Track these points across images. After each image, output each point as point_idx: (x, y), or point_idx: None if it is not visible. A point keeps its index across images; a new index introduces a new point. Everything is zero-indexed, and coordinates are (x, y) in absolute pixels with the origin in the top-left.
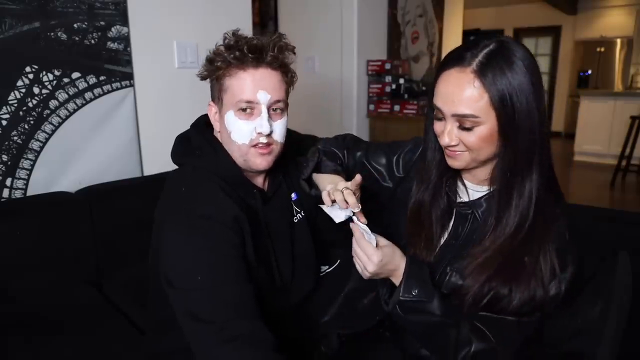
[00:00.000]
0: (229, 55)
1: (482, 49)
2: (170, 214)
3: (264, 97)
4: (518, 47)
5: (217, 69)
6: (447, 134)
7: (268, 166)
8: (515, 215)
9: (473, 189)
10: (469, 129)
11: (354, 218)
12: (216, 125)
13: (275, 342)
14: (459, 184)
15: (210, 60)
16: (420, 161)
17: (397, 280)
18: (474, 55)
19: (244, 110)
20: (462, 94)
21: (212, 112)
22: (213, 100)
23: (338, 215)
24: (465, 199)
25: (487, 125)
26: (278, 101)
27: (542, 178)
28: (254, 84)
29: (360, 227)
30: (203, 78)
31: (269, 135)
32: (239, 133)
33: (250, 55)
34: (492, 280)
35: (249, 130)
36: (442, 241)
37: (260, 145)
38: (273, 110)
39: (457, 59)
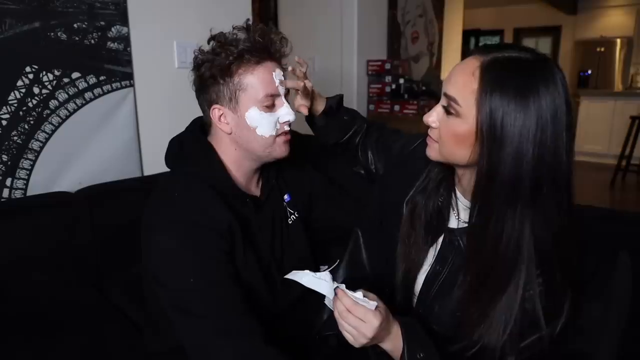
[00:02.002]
0: (244, 45)
1: (513, 51)
2: (162, 218)
3: (282, 89)
4: (551, 80)
5: (227, 64)
6: (434, 110)
7: (288, 152)
8: (489, 260)
9: (462, 202)
10: (450, 114)
11: (340, 288)
12: (226, 128)
13: (268, 336)
14: (452, 195)
15: (216, 53)
16: (432, 164)
17: (390, 343)
18: (497, 50)
19: (269, 105)
20: (459, 77)
21: (217, 116)
22: (218, 102)
23: (322, 287)
24: (453, 224)
25: (465, 123)
26: (288, 90)
27: (541, 222)
28: (274, 77)
29: (349, 293)
30: (212, 76)
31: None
32: (266, 127)
33: (270, 49)
34: (478, 334)
35: (274, 122)
36: (431, 260)
37: (284, 133)
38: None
39: (483, 48)
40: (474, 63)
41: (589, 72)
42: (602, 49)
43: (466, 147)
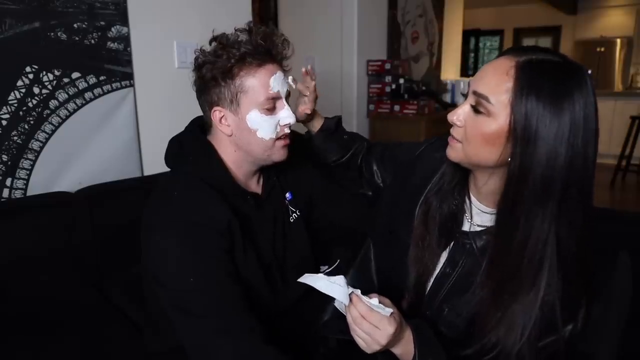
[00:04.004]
0: (245, 47)
1: (546, 54)
2: (162, 218)
3: (283, 90)
4: (584, 86)
5: (229, 66)
6: (460, 108)
7: (286, 157)
8: (515, 263)
9: (476, 205)
10: (478, 113)
11: (356, 293)
12: (227, 130)
13: (267, 335)
14: (466, 198)
15: (218, 55)
16: (447, 166)
17: (401, 348)
18: (531, 52)
19: (270, 107)
20: (492, 75)
21: (217, 117)
22: (219, 104)
23: (336, 292)
24: (466, 227)
25: (496, 123)
26: (289, 93)
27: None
28: (275, 79)
29: (363, 298)
30: (213, 78)
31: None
32: (267, 129)
33: (271, 51)
34: (495, 337)
35: (274, 125)
36: (441, 263)
37: (284, 136)
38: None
39: (516, 49)
40: (507, 63)
41: (589, 72)
42: (602, 49)
43: (494, 147)
